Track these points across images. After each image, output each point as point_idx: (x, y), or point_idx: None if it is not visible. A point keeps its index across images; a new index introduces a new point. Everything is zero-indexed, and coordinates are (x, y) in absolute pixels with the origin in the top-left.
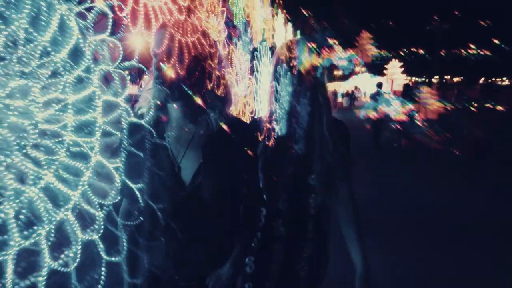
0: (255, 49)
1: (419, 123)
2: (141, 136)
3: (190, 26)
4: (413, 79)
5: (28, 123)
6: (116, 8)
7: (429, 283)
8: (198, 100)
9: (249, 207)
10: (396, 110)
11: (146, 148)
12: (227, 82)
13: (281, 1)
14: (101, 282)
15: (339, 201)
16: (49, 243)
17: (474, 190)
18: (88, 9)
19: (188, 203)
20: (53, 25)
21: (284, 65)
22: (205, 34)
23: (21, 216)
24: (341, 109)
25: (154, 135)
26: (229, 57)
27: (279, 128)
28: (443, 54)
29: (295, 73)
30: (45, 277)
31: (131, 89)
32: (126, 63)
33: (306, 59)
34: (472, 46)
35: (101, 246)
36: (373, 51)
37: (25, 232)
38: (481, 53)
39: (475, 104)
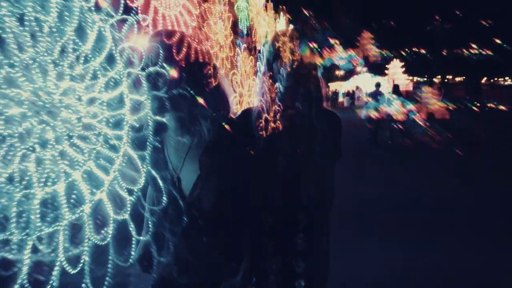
0: (258, 51)
1: (420, 123)
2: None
3: (187, 34)
4: (415, 79)
5: (75, 118)
6: (141, 19)
7: (429, 282)
8: (191, 110)
9: (251, 212)
10: (397, 110)
11: (148, 158)
12: (223, 89)
13: (284, 6)
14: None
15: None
16: (90, 220)
17: (474, 190)
18: (119, 21)
19: (189, 213)
20: (92, 36)
21: (274, 55)
22: (200, 42)
23: (71, 195)
24: (342, 108)
25: (155, 146)
26: (235, 59)
27: (270, 119)
28: (444, 54)
29: (286, 64)
30: (88, 249)
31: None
32: (151, 68)
33: (296, 50)
34: (473, 46)
35: (132, 225)
36: (374, 51)
37: (73, 209)
38: (483, 53)
39: (478, 104)
